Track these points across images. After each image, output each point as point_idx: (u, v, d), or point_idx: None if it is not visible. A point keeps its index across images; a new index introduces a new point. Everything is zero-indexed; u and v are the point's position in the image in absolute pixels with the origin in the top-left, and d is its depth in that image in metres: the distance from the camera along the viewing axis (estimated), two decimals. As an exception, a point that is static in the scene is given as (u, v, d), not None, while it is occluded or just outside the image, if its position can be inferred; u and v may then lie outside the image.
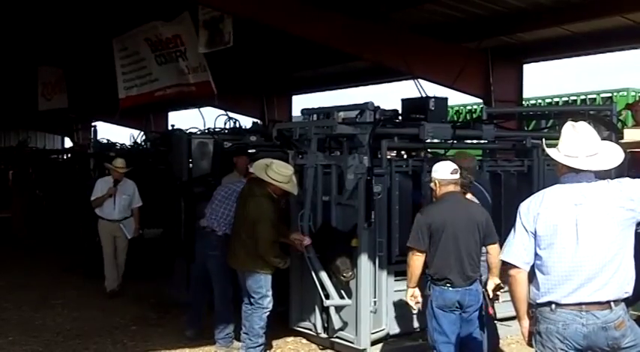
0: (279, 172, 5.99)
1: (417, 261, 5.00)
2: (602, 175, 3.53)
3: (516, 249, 3.51)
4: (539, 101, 13.42)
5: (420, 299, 5.12)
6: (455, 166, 5.07)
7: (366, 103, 6.51)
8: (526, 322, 3.60)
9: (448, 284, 4.89)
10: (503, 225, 6.01)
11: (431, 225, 4.93)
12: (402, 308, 6.51)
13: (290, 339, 6.91)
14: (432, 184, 5.15)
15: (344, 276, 6.15)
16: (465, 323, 5.02)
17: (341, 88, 14.51)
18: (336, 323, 6.42)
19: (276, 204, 6.13)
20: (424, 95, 8.57)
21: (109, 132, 40.63)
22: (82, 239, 10.87)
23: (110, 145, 12.05)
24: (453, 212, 4.95)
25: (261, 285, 6.05)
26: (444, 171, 5.06)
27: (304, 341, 6.87)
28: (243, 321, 6.22)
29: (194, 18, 9.63)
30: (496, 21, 8.90)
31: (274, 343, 6.80)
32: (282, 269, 6.23)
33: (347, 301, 6.29)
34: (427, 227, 4.93)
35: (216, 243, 6.56)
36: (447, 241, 4.89)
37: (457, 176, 5.06)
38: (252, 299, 6.12)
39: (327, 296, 6.29)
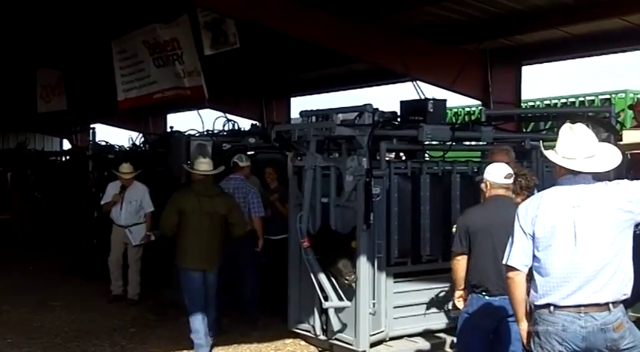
0: (203, 162, 6.56)
1: (457, 265, 4.84)
2: (600, 177, 3.53)
3: (515, 252, 3.51)
4: (538, 103, 13.42)
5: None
6: (510, 171, 4.85)
7: (365, 105, 6.53)
8: (525, 324, 3.60)
9: (484, 293, 4.67)
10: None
11: (469, 228, 4.75)
12: (401, 310, 6.52)
13: (289, 341, 6.91)
14: (482, 185, 4.94)
15: (347, 279, 6.13)
16: (505, 333, 4.70)
17: (340, 90, 14.49)
18: (335, 324, 6.41)
19: None
20: (423, 97, 8.57)
21: (107, 134, 40.61)
22: (81, 241, 10.86)
23: (109, 147, 12.03)
24: (495, 216, 4.62)
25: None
26: (497, 174, 4.82)
27: (303, 342, 6.86)
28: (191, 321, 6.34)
29: (194, 20, 9.64)
30: (494, 23, 8.91)
31: (273, 345, 6.81)
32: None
33: (346, 303, 6.29)
34: (465, 229, 4.77)
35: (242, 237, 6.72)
36: (485, 246, 4.65)
37: (510, 181, 4.82)
38: (212, 292, 6.40)
39: (326, 298, 6.29)
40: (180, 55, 10.29)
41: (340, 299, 6.30)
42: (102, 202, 8.96)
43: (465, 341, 4.89)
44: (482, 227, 4.71)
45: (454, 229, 5.12)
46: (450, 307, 5.10)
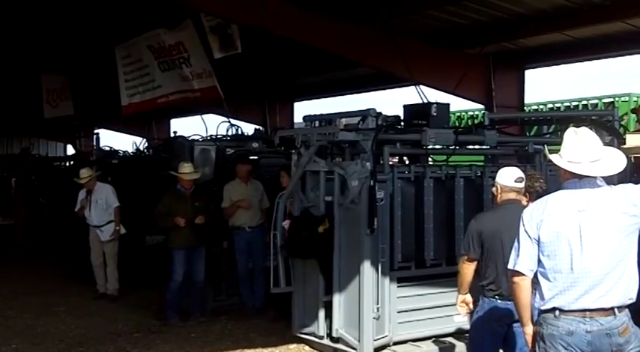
0: (181, 167, 7.79)
1: (466, 269, 4.80)
2: (604, 181, 3.52)
3: (521, 257, 3.50)
4: (541, 106, 13.41)
5: (471, 306, 4.89)
6: (521, 174, 4.80)
7: (368, 110, 6.52)
8: (530, 328, 3.59)
9: (497, 296, 4.65)
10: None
11: (482, 233, 4.71)
12: (405, 315, 6.51)
13: (292, 346, 6.90)
14: (493, 189, 4.92)
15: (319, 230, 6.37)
16: (515, 337, 4.68)
17: (343, 95, 14.53)
18: (339, 329, 6.40)
19: (181, 195, 7.85)
20: (426, 101, 8.58)
21: (111, 139, 40.66)
22: (84, 246, 10.86)
23: (113, 152, 12.06)
24: (508, 221, 4.42)
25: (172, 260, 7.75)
26: (507, 177, 4.77)
27: (307, 347, 6.85)
28: None
29: (198, 25, 9.66)
30: (497, 27, 8.91)
31: (276, 349, 6.80)
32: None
33: (290, 288, 6.69)
34: (478, 234, 4.72)
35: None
36: (498, 251, 4.60)
37: (521, 185, 4.76)
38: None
39: (276, 284, 6.61)
40: (187, 58, 10.30)
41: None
42: (75, 209, 9.47)
43: (478, 344, 4.87)
44: (494, 232, 4.66)
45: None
46: (455, 313, 5.04)
